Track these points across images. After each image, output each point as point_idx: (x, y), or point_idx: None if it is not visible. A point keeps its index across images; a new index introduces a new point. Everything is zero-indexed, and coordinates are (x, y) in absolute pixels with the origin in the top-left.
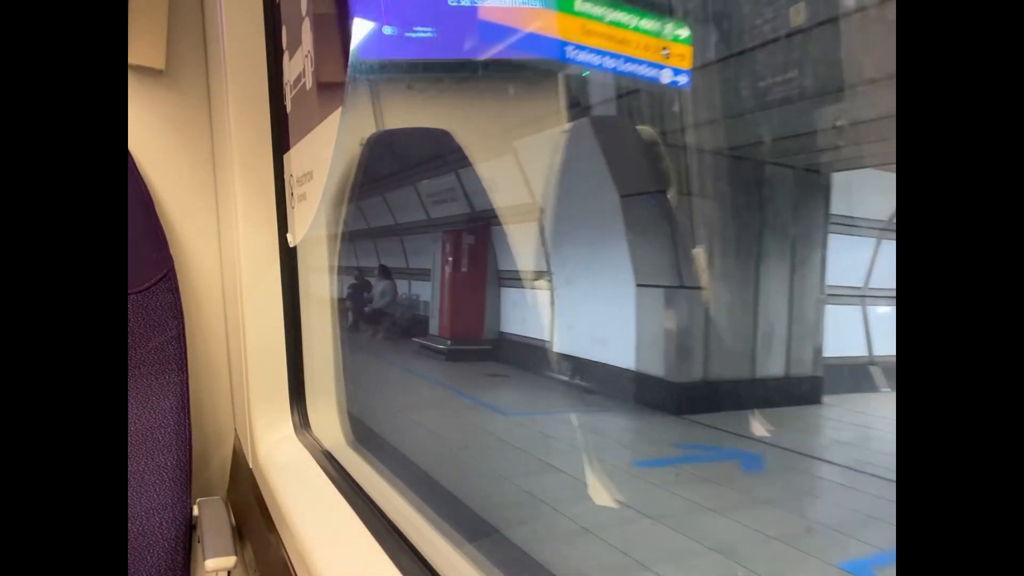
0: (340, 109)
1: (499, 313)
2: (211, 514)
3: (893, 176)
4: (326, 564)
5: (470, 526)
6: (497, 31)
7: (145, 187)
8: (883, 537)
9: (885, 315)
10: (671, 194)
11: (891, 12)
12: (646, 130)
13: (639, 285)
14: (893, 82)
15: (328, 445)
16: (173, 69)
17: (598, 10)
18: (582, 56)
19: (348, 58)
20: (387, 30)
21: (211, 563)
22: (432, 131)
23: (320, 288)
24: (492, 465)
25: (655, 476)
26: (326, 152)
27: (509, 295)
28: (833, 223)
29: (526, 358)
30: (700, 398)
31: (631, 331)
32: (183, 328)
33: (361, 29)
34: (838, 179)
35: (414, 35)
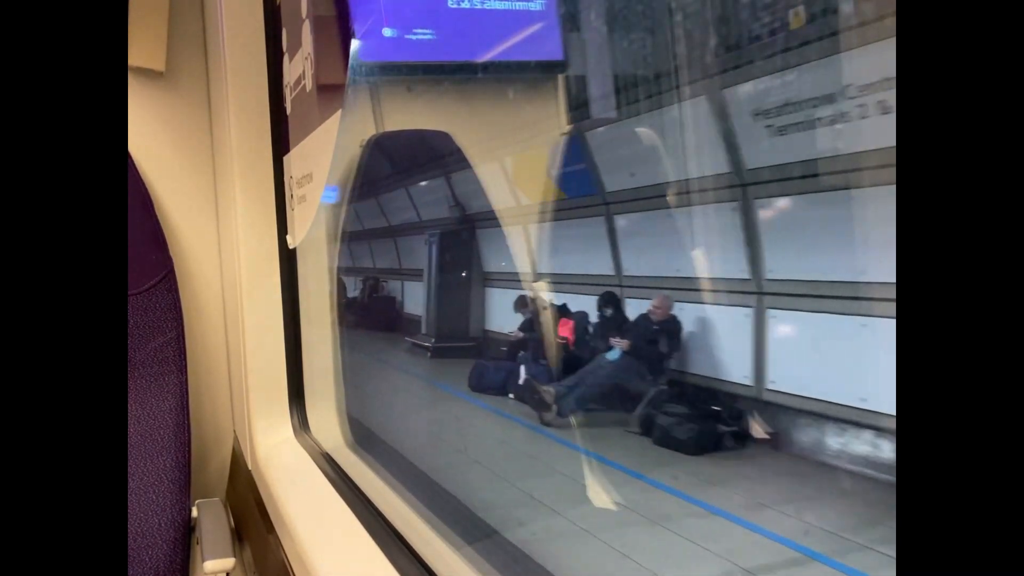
0: (340, 111)
1: None
2: (210, 516)
3: None
4: (325, 566)
5: None
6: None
7: (145, 188)
8: None
9: None
10: None
11: None
12: None
13: None
14: None
15: (327, 447)
16: (173, 71)
17: None
18: None
19: (348, 60)
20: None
21: (210, 565)
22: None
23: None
24: None
25: None
26: (326, 154)
27: None
28: None
29: None
30: None
31: None
32: (182, 329)
33: (361, 31)
34: None
35: (414, 37)
